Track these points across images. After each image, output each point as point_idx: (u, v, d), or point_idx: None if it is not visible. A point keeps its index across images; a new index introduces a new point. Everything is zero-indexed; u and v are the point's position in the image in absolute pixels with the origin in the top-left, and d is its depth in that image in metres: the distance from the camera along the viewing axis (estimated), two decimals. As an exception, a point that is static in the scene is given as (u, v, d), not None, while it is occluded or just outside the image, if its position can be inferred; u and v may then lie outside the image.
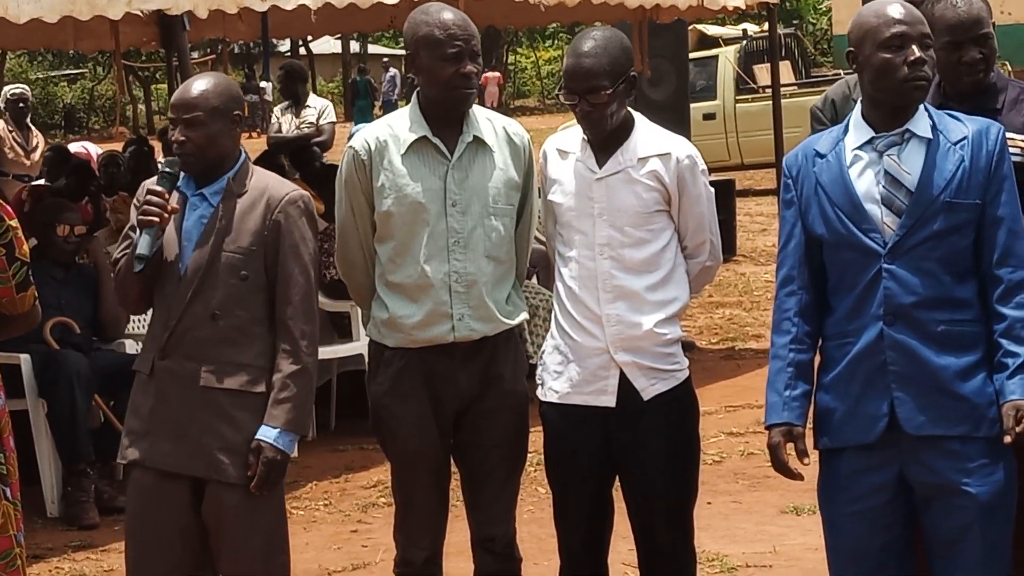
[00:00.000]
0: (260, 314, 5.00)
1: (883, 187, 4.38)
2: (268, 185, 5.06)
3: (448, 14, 5.20)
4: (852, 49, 4.45)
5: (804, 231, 4.53)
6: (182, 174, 5.02)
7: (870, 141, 4.43)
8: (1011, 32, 21.72)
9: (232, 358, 4.97)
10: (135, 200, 5.03)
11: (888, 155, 4.40)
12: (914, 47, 4.33)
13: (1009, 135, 4.62)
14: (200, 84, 5.01)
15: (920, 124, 4.40)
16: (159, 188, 4.95)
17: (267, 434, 4.93)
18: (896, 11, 4.38)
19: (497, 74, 45.59)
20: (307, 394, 5.04)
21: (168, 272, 5.01)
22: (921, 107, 4.44)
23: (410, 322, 5.22)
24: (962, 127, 4.42)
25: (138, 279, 5.02)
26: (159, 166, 5.12)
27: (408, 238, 5.20)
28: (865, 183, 4.41)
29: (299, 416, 4.99)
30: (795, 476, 4.57)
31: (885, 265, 4.36)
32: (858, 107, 4.52)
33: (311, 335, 5.01)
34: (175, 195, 5.02)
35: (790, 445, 4.54)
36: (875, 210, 4.38)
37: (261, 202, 4.99)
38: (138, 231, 4.95)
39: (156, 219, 4.90)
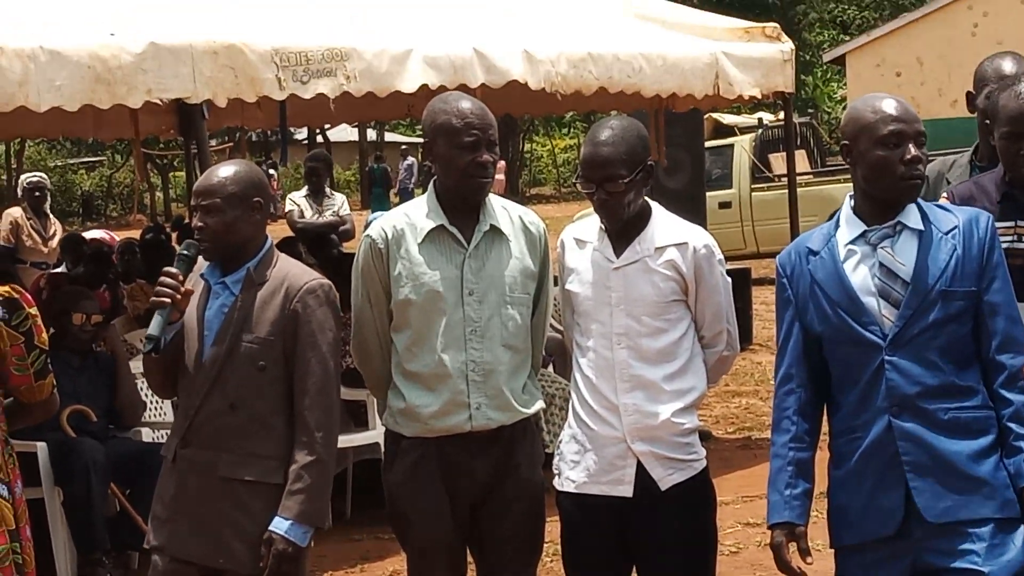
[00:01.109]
0: (278, 405, 4.99)
1: (879, 279, 4.39)
2: (289, 273, 5.05)
3: (466, 103, 5.23)
4: (847, 143, 4.48)
5: (802, 329, 4.54)
6: (206, 263, 5.04)
7: (863, 235, 4.44)
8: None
9: (250, 449, 4.96)
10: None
11: (882, 247, 4.41)
12: (910, 145, 4.35)
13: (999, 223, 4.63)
14: (221, 171, 5.04)
15: (911, 216, 4.42)
16: (174, 270, 4.98)
17: (279, 525, 4.91)
18: (892, 107, 4.40)
19: (502, 163, 45.60)
20: (322, 486, 5.02)
21: (189, 361, 5.02)
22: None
23: (427, 411, 5.21)
24: (952, 217, 4.45)
25: (157, 364, 5.04)
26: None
27: (425, 327, 5.20)
28: (860, 276, 4.42)
29: (313, 508, 4.97)
30: (799, 575, 4.54)
31: (887, 357, 4.36)
32: (847, 202, 4.53)
33: (328, 426, 4.99)
34: (196, 280, 5.04)
35: (793, 544, 4.53)
36: (872, 303, 4.39)
37: (280, 291, 4.99)
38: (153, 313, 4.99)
39: (168, 300, 4.93)
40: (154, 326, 4.95)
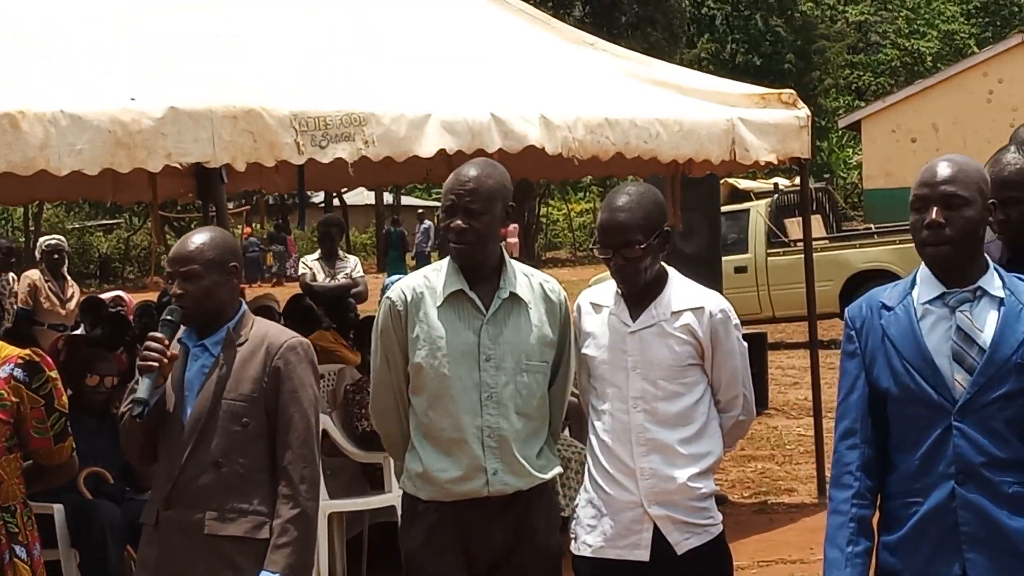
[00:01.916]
0: (262, 461, 5.02)
1: (955, 343, 4.27)
2: (268, 333, 5.13)
3: (470, 170, 5.26)
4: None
5: (868, 384, 4.41)
6: (182, 327, 5.09)
7: (941, 296, 4.32)
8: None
9: (236, 505, 4.99)
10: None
11: (961, 311, 4.29)
12: (933, 209, 4.26)
13: None
14: (196, 238, 5.11)
15: (992, 282, 4.31)
16: (159, 335, 5.02)
17: None
18: (928, 172, 4.34)
19: (513, 226, 45.46)
20: (308, 538, 5.04)
21: (171, 423, 5.06)
22: (992, 267, 4.35)
23: (445, 476, 5.22)
24: None
25: (141, 429, 5.06)
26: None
27: (441, 391, 5.22)
28: (936, 338, 4.30)
29: (299, 560, 4.98)
30: None
31: (955, 423, 4.24)
32: (923, 263, 4.41)
33: (311, 479, 5.04)
34: (174, 345, 5.08)
35: None
36: (946, 365, 4.27)
37: (261, 349, 5.05)
38: (139, 377, 5.01)
39: (155, 364, 4.97)
40: (143, 390, 4.98)
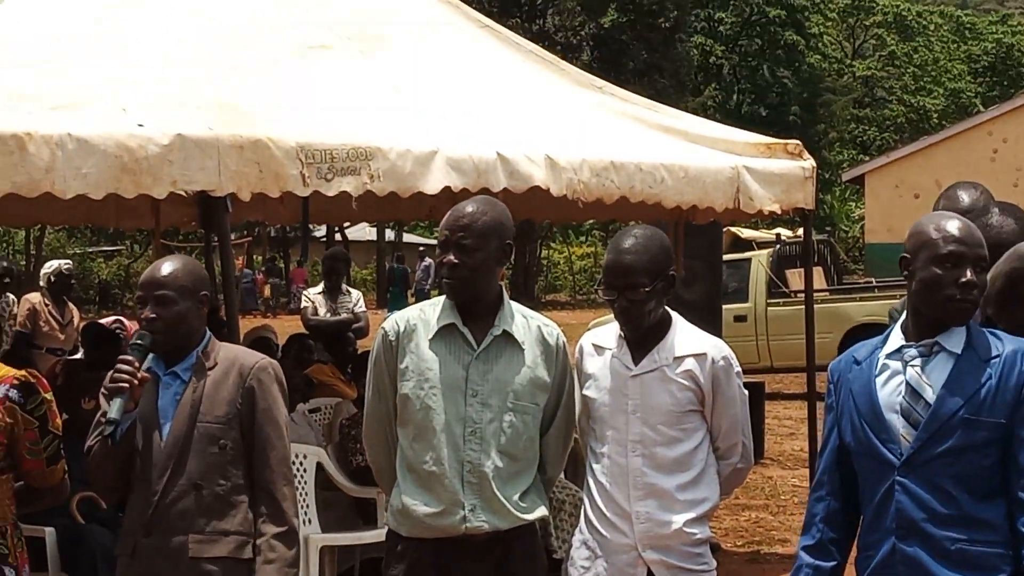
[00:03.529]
0: (240, 481, 5.03)
1: (904, 398, 4.29)
2: (237, 355, 5.17)
3: (467, 206, 5.24)
4: (907, 256, 4.38)
5: (839, 438, 4.47)
6: (151, 356, 5.07)
7: (899, 350, 4.35)
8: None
9: (218, 527, 4.99)
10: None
11: (911, 366, 4.32)
12: (968, 269, 4.25)
13: None
14: (169, 265, 5.13)
15: (952, 339, 4.30)
16: (128, 357, 5.01)
17: None
18: (956, 228, 4.30)
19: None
20: (294, 555, 5.05)
21: (146, 451, 5.04)
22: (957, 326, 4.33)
23: (422, 511, 5.17)
24: (1000, 345, 4.30)
25: (111, 457, 5.02)
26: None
27: (426, 423, 5.17)
28: (887, 393, 4.33)
29: None
30: None
31: (898, 478, 4.25)
32: (904, 315, 4.44)
33: (291, 497, 5.07)
34: (149, 367, 5.06)
35: None
36: (895, 420, 4.29)
37: (233, 371, 5.08)
38: (108, 400, 4.96)
39: (125, 385, 4.93)
40: (114, 410, 4.92)
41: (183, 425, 5.01)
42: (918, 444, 4.25)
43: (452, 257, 5.14)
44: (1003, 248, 4.82)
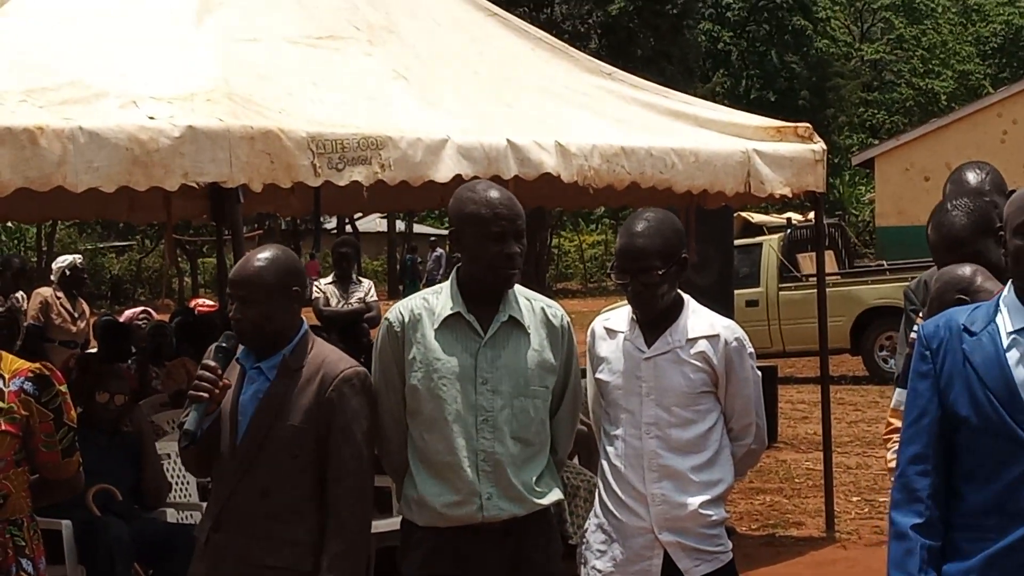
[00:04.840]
0: (310, 492, 4.95)
1: None
2: (325, 360, 5.02)
3: (495, 192, 5.20)
4: (1002, 231, 4.14)
5: (942, 408, 4.13)
6: (240, 346, 5.02)
7: None
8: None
9: (281, 535, 4.93)
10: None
11: None
12: None
13: None
14: (257, 261, 5.01)
15: None
16: (212, 363, 4.95)
17: None
18: None
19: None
20: (355, 575, 4.97)
21: (224, 446, 5.01)
22: None
23: (439, 501, 5.15)
24: None
25: (196, 456, 5.04)
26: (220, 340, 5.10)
27: (436, 413, 5.14)
28: (1023, 371, 4.02)
29: None
30: None
31: None
32: (1010, 287, 4.14)
33: (361, 515, 4.96)
34: (234, 367, 5.03)
35: None
36: None
37: (316, 379, 4.96)
38: (189, 407, 4.96)
39: (206, 395, 4.91)
40: (191, 421, 4.91)
41: (259, 428, 4.95)
42: None
43: (516, 247, 5.11)
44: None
